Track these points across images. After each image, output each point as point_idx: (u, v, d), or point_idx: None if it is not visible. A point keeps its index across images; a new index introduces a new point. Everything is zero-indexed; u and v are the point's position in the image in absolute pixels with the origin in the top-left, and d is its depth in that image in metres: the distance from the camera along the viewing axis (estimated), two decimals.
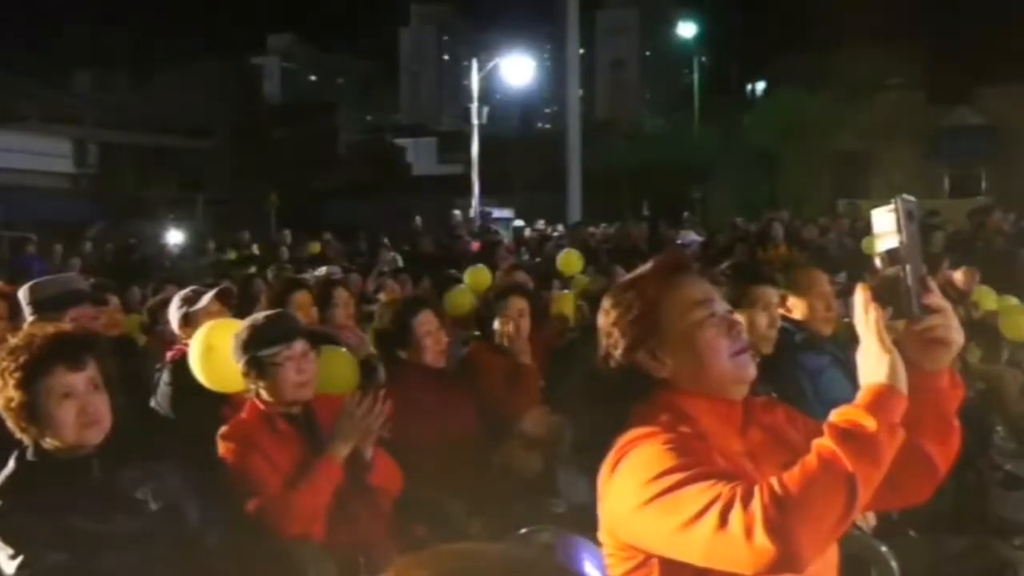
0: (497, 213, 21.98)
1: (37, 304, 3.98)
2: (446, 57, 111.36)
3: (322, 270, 8.52)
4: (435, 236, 14.56)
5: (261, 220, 21.04)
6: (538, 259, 11.85)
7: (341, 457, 2.91)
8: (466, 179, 21.51)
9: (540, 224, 18.77)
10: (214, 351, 3.45)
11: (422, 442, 3.39)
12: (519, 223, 21.60)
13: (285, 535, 2.82)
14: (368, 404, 2.92)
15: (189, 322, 4.45)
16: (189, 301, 4.56)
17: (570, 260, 8.87)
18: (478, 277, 7.22)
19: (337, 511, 2.90)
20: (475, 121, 20.50)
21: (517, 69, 23.57)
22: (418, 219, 15.81)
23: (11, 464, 2.45)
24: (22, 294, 4.07)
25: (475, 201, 20.28)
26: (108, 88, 40.29)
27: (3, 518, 2.34)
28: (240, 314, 4.91)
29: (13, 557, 2.28)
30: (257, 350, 3.01)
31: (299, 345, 3.04)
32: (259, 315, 3.23)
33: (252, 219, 19.19)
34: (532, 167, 33.02)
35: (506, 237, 16.20)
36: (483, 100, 20.76)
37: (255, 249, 14.26)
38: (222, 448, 2.92)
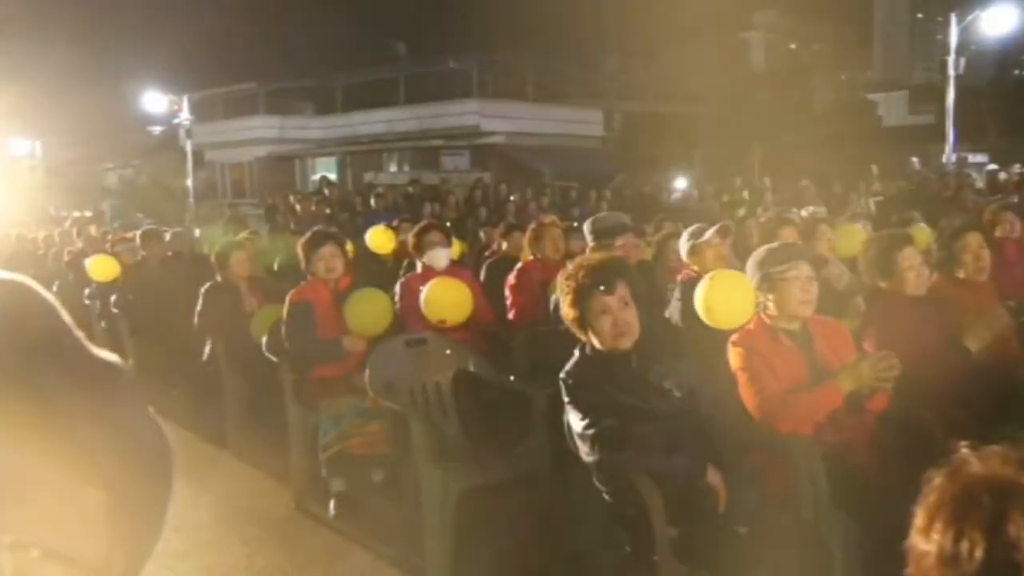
0: (971, 159, 19.17)
1: (596, 233, 4.48)
2: (920, 15, 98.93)
3: (809, 209, 8.16)
4: (895, 180, 13.19)
5: (746, 170, 20.68)
6: (1015, 199, 10.15)
7: (845, 390, 2.77)
8: (937, 128, 19.08)
9: (1017, 168, 16.03)
10: (712, 311, 3.45)
11: (901, 360, 3.11)
12: (992, 167, 18.65)
13: (778, 429, 2.79)
14: (888, 359, 2.71)
15: (695, 252, 4.56)
16: (695, 235, 4.66)
17: None
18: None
19: (826, 419, 2.79)
20: (951, 72, 17.95)
21: (998, 20, 20.08)
22: (874, 168, 14.33)
23: (576, 355, 2.74)
24: (586, 225, 4.60)
25: (948, 147, 17.89)
26: (628, 69, 42.08)
27: (573, 391, 2.64)
28: (735, 250, 4.92)
29: (582, 419, 2.57)
30: (770, 267, 2.97)
31: (805, 268, 2.95)
32: (775, 244, 3.21)
33: (739, 169, 18.97)
34: (1008, 113, 28.15)
35: (979, 181, 14.08)
36: (960, 51, 18.09)
37: (744, 195, 14.07)
38: (731, 352, 2.95)
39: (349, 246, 5.83)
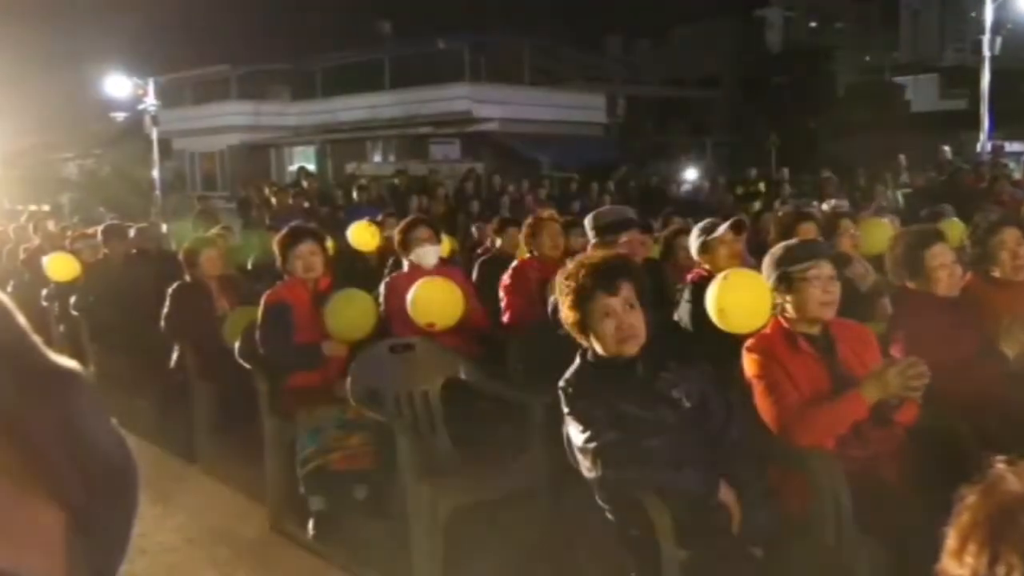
0: (1008, 147, 19.18)
1: (598, 229, 4.47)
2: None
3: (831, 203, 8.18)
4: (924, 171, 13.23)
5: (762, 159, 20.73)
6: None
7: (871, 401, 2.75)
8: (970, 113, 19.09)
9: None
10: (725, 314, 3.45)
11: (932, 368, 3.12)
12: None
13: (797, 442, 2.80)
14: (917, 366, 2.70)
15: (707, 249, 4.56)
16: (706, 231, 4.66)
17: None
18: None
19: (851, 432, 2.80)
20: (987, 53, 17.98)
21: None
22: (901, 157, 14.38)
23: (576, 361, 2.75)
24: (587, 220, 4.59)
25: (983, 135, 17.92)
26: (633, 50, 42.17)
27: (573, 401, 2.65)
28: (749, 247, 4.93)
29: (583, 432, 2.57)
30: (788, 266, 2.98)
31: (827, 267, 2.96)
32: (793, 240, 3.21)
33: (754, 159, 19.02)
34: None
35: (1016, 171, 14.12)
36: (995, 31, 18.13)
37: (760, 187, 14.11)
38: (746, 358, 2.96)
39: (329, 243, 5.81)
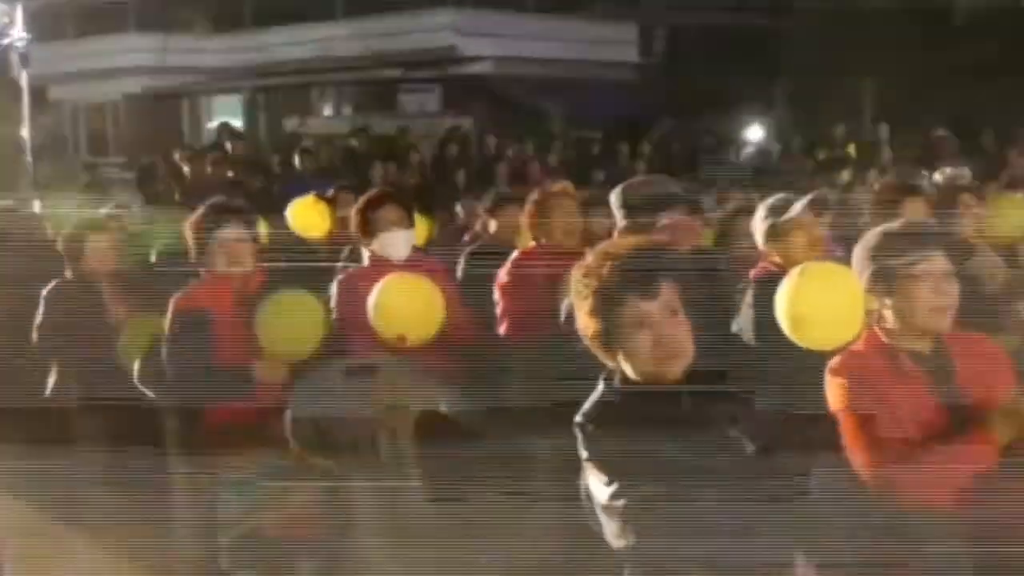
0: None
1: (630, 207, 4.46)
2: None
3: (946, 171, 8.19)
4: None
5: (853, 114, 20.73)
6: None
7: (1003, 441, 2.78)
8: None
9: None
10: (802, 323, 3.44)
11: None
12: None
13: (899, 497, 2.80)
14: None
15: (777, 235, 4.57)
16: (776, 211, 4.67)
17: None
18: None
19: (973, 482, 2.80)
20: None
21: None
22: None
23: (599, 388, 2.74)
24: (613, 196, 4.57)
25: None
26: None
27: (595, 444, 2.64)
28: (835, 233, 4.94)
29: (607, 485, 2.56)
30: (888, 259, 2.99)
31: (940, 260, 2.97)
32: (895, 223, 3.21)
33: (842, 113, 19.02)
34: None
35: None
36: None
37: (850, 150, 14.12)
38: (830, 383, 2.96)
39: (262, 227, 5.81)
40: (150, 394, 4.60)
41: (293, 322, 4.39)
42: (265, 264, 4.80)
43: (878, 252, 3.03)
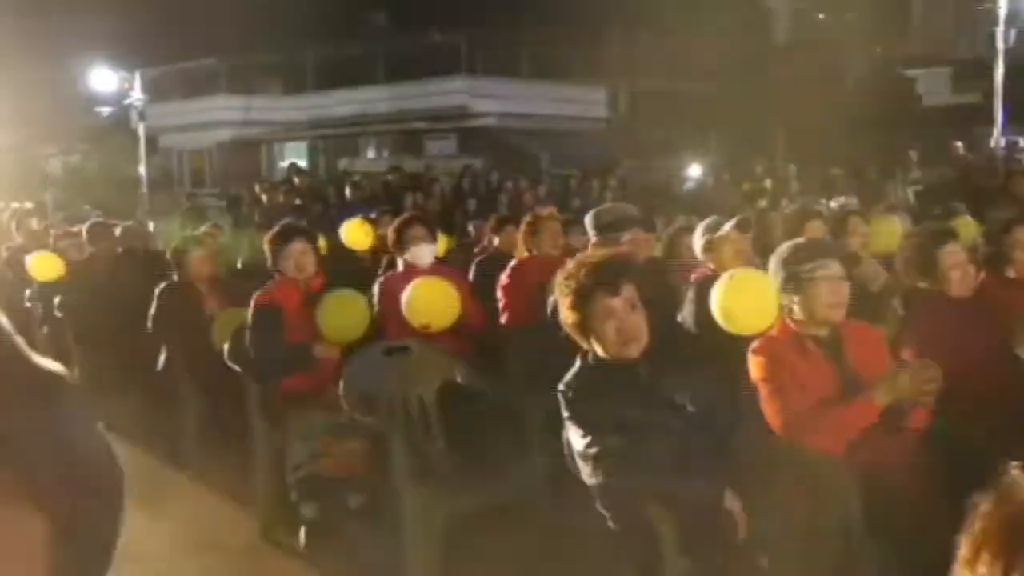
0: (1023, 143, 19.17)
1: (599, 227, 4.49)
2: None
3: (840, 200, 8.19)
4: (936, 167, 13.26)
5: (769, 155, 20.72)
6: None
7: (882, 405, 2.75)
8: (984, 108, 19.10)
9: None
10: (730, 315, 3.44)
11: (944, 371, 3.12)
12: None
13: (805, 448, 2.79)
14: (929, 369, 2.70)
15: (711, 248, 4.59)
16: (711, 229, 4.69)
17: None
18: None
19: (859, 437, 2.79)
20: (1000, 45, 18.02)
21: None
22: (912, 153, 14.39)
23: (577, 364, 2.75)
24: (587, 219, 4.60)
25: (996, 130, 17.94)
26: (636, 42, 42.21)
27: (573, 405, 2.65)
28: (755, 246, 4.94)
29: (583, 437, 2.57)
30: (796, 266, 2.98)
31: (836, 267, 2.96)
32: (801, 239, 3.21)
33: (760, 155, 19.02)
34: None
35: None
36: (1010, 23, 18.15)
37: (766, 183, 14.12)
38: (752, 361, 2.96)
39: (322, 242, 5.82)
40: (237, 369, 4.59)
41: (345, 314, 4.39)
42: (324, 269, 4.80)
43: (788, 261, 3.03)
